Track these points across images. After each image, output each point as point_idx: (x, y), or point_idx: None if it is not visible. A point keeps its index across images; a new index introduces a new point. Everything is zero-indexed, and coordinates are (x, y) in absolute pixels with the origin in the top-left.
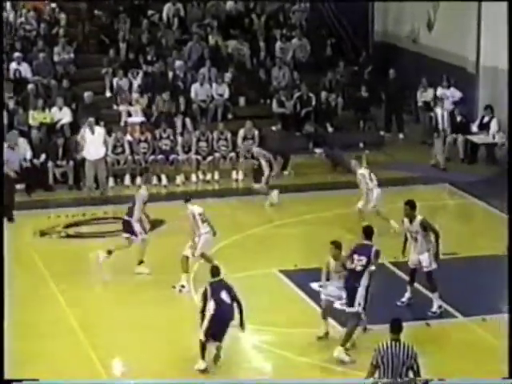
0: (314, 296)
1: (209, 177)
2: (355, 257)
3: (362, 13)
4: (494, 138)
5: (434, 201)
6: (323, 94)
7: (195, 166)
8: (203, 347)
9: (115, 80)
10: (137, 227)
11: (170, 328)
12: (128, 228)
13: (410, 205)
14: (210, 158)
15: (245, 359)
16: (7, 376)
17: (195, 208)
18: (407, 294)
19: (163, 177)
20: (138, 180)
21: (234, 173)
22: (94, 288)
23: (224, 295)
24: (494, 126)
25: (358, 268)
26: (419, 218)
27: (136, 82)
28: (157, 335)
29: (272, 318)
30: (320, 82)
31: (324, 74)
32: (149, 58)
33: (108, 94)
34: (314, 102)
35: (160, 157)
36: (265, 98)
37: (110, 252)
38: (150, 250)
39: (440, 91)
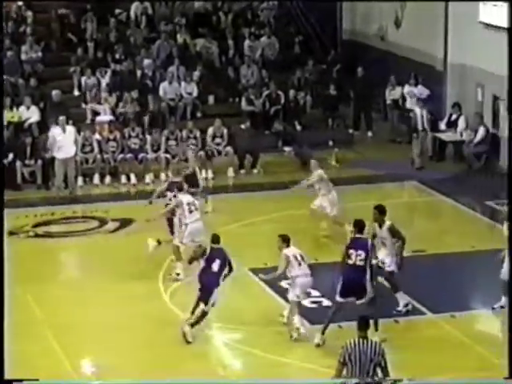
0: (284, 294)
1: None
2: (352, 252)
3: (330, 11)
4: (461, 135)
5: (402, 198)
6: (292, 93)
7: (164, 164)
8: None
9: (83, 79)
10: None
11: (141, 326)
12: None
13: (379, 210)
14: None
15: (215, 357)
16: None
17: (184, 197)
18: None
19: (132, 176)
20: (107, 179)
21: (203, 171)
22: (63, 287)
23: (215, 264)
24: (461, 123)
25: (359, 263)
26: (388, 223)
27: (104, 81)
28: (128, 334)
29: (242, 317)
30: (289, 81)
31: (293, 73)
32: (117, 56)
33: (76, 92)
34: (282, 100)
35: (129, 155)
36: (234, 96)
37: (159, 242)
38: (120, 248)
39: (408, 89)
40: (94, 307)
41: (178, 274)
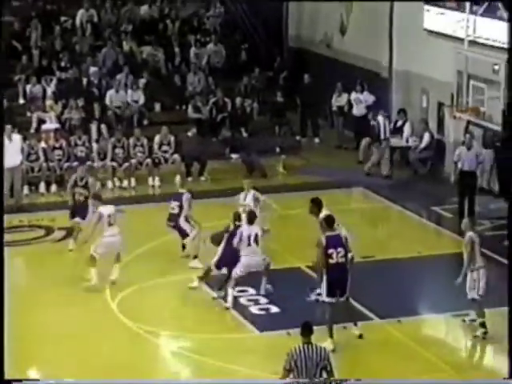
0: (234, 302)
1: (125, 183)
2: (332, 251)
3: (276, 18)
4: (407, 141)
5: (349, 204)
6: (238, 100)
7: (111, 172)
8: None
9: (28, 87)
10: (186, 227)
11: (88, 335)
12: (182, 232)
13: (315, 202)
14: (126, 165)
15: (164, 365)
16: None
17: (105, 209)
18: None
19: None
20: (53, 188)
21: (150, 179)
22: (10, 297)
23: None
24: (407, 129)
25: (341, 260)
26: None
27: (50, 89)
28: (75, 342)
29: (190, 324)
30: (235, 88)
31: (239, 80)
32: (62, 64)
33: (21, 100)
34: (229, 108)
35: (75, 164)
36: (180, 103)
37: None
38: (67, 257)
39: (354, 96)
40: (40, 316)
41: (90, 281)
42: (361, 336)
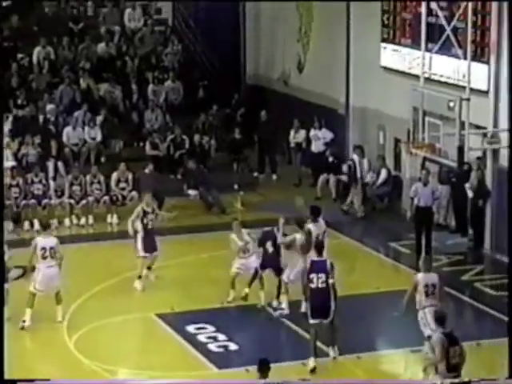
0: (190, 339)
1: (83, 221)
2: (313, 276)
3: (234, 56)
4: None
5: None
6: (196, 137)
7: (68, 210)
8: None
9: None
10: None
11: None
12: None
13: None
14: (83, 202)
15: None
16: None
17: (40, 241)
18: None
19: (35, 222)
20: (10, 226)
21: (108, 216)
22: None
23: (269, 244)
24: (364, 165)
25: (321, 285)
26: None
27: (6, 127)
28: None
29: (149, 362)
30: (193, 125)
31: (197, 117)
32: (19, 101)
33: None
34: (187, 145)
35: (32, 201)
36: (138, 140)
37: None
38: (23, 296)
39: (312, 132)
40: None
41: (23, 321)
42: (313, 370)
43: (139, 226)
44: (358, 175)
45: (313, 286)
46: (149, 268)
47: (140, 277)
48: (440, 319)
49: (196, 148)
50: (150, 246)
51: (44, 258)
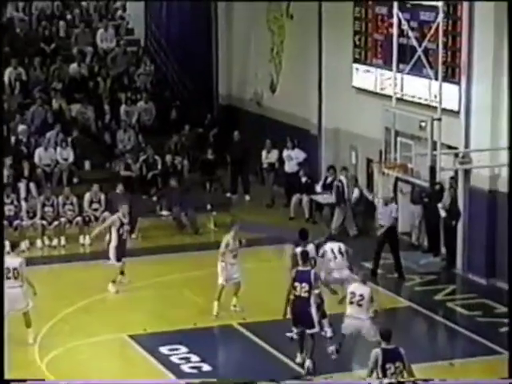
0: (163, 360)
1: (55, 242)
2: (297, 284)
3: (207, 76)
4: None
5: (278, 261)
6: (168, 157)
7: (40, 231)
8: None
9: None
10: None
11: None
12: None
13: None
14: (55, 223)
15: None
16: None
17: (5, 261)
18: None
19: (7, 243)
20: None
21: (81, 237)
22: None
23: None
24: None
25: (303, 294)
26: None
27: None
28: None
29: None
30: (165, 145)
31: (169, 137)
32: None
33: None
34: (159, 165)
35: (4, 222)
36: (110, 161)
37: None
38: None
39: (286, 153)
40: None
41: None
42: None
43: (114, 235)
44: (346, 196)
45: (296, 293)
46: (122, 273)
47: (114, 281)
48: (384, 334)
49: (168, 169)
50: (121, 254)
51: (7, 278)
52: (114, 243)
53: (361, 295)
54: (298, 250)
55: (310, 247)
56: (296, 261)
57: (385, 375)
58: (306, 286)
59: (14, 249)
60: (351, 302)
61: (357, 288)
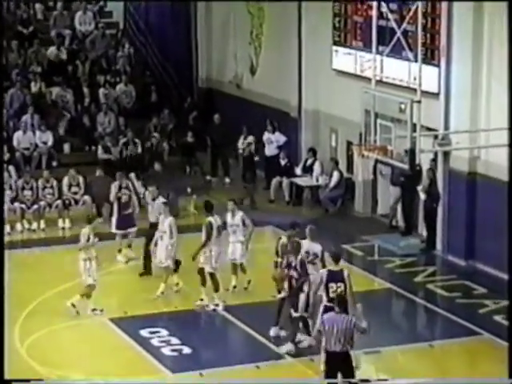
0: (144, 343)
1: (34, 226)
2: (332, 284)
3: (186, 59)
4: (317, 180)
5: (258, 243)
6: (149, 140)
7: (20, 214)
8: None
9: None
10: None
11: None
12: None
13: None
14: (35, 207)
15: None
16: None
17: None
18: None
19: None
20: None
21: (60, 221)
22: None
23: None
24: (317, 168)
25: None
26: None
27: None
28: None
29: (102, 367)
30: (145, 128)
31: (149, 120)
32: None
33: None
34: (139, 148)
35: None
36: (89, 144)
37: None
38: None
39: (265, 136)
40: None
41: None
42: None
43: (115, 203)
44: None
45: (331, 295)
46: (129, 246)
47: (120, 250)
48: (333, 257)
49: (148, 151)
50: (123, 224)
51: None
52: (115, 210)
53: (314, 254)
54: (327, 252)
55: (317, 247)
56: (286, 250)
57: (328, 293)
58: (341, 285)
59: None
60: (308, 262)
61: (310, 246)
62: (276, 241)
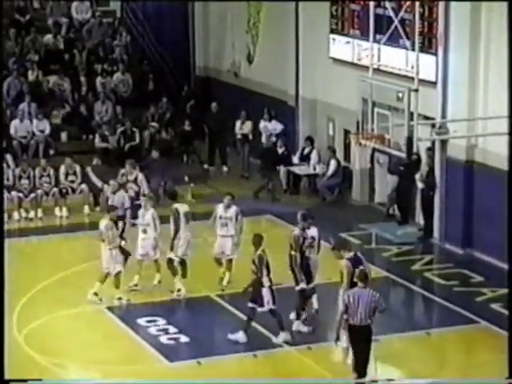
0: (142, 332)
1: (32, 214)
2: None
3: (184, 47)
4: (314, 169)
5: (256, 232)
6: (147, 129)
7: (17, 203)
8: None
9: None
10: None
11: None
12: None
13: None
14: (32, 196)
15: None
16: None
17: None
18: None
19: None
20: None
21: (57, 209)
22: None
23: None
24: (314, 157)
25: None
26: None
27: None
28: None
29: (100, 355)
30: (143, 117)
31: (147, 109)
32: None
33: None
34: (137, 137)
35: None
36: (87, 133)
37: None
38: None
39: (262, 124)
40: None
41: None
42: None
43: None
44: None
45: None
46: None
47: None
48: (304, 216)
49: (146, 140)
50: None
51: None
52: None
53: (312, 237)
54: (358, 269)
55: (314, 230)
56: (297, 244)
57: (302, 250)
58: (362, 268)
59: None
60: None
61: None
62: (287, 233)
